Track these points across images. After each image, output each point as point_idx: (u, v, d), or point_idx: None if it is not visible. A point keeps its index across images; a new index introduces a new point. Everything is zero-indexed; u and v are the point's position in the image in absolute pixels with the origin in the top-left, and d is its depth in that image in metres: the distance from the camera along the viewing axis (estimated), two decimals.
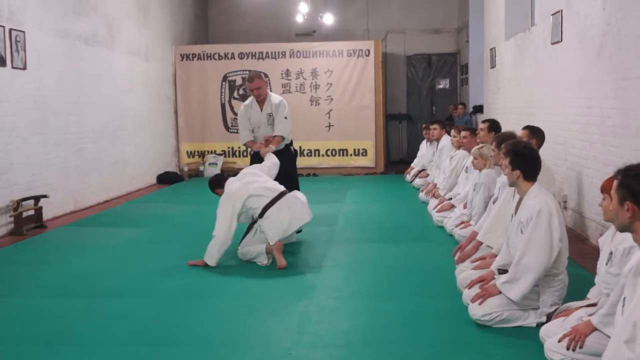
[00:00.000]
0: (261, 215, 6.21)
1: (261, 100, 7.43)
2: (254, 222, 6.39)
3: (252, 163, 7.36)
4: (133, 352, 4.14)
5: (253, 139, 7.52)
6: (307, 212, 6.57)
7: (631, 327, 2.64)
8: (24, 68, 8.53)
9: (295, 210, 6.36)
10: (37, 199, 8.58)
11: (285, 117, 7.40)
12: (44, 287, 5.73)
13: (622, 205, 3.05)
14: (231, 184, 6.37)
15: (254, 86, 7.39)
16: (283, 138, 7.40)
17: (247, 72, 14.45)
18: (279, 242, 6.18)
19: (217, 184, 6.54)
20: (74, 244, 7.55)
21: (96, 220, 9.17)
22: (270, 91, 7.97)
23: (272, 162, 6.98)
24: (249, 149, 8.06)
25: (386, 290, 5.45)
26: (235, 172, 7.54)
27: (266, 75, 14.43)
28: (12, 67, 8.28)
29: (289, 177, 7.23)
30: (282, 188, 6.48)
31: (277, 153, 7.19)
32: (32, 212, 8.47)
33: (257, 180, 6.43)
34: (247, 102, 7.62)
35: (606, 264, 3.77)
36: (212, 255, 6.10)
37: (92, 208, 10.27)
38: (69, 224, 8.91)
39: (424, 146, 12.37)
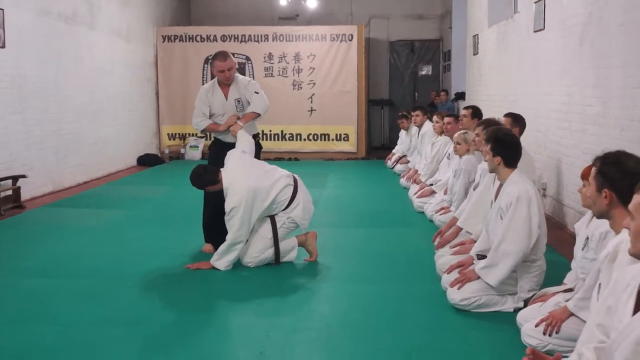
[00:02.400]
0: (287, 206, 5.58)
1: (227, 85, 6.14)
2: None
3: (212, 154, 6.34)
4: (108, 332, 4.12)
5: (213, 122, 6.19)
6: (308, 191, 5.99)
7: (604, 311, 2.67)
8: (2, 46, 8.41)
9: (307, 192, 5.88)
10: (15, 179, 8.49)
11: (257, 92, 6.11)
12: (21, 267, 5.68)
13: (600, 192, 3.08)
14: (235, 178, 5.41)
15: (225, 66, 6.00)
16: (258, 115, 6.12)
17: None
18: (313, 231, 5.88)
19: (208, 179, 5.44)
20: (52, 225, 7.48)
21: (75, 202, 9.10)
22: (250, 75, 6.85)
23: (249, 142, 5.93)
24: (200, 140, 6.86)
25: (366, 274, 5.47)
26: None
27: (248, 59, 14.37)
28: None
29: None
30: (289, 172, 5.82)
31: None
32: (10, 192, 8.39)
33: (266, 169, 5.71)
34: (207, 86, 6.26)
35: (582, 249, 3.80)
36: (227, 261, 5.42)
37: (71, 189, 10.19)
38: (47, 204, 8.84)
39: (402, 134, 12.40)
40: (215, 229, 5.97)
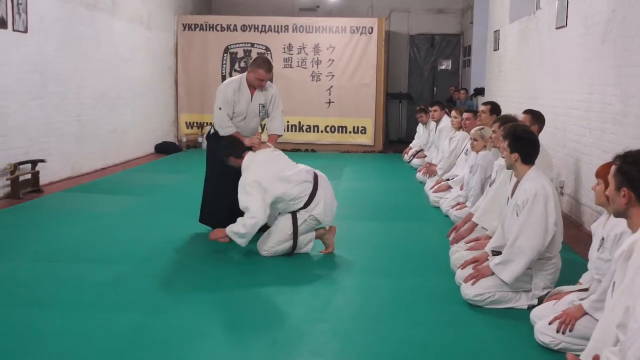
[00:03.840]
0: (307, 204, 5.54)
1: (254, 88, 6.13)
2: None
3: (210, 151, 6.34)
4: (122, 318, 4.16)
5: (238, 131, 6.11)
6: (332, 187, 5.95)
7: (622, 312, 2.66)
8: (25, 31, 8.48)
9: (330, 188, 5.82)
10: (34, 163, 8.56)
11: (282, 111, 6.33)
12: (38, 251, 5.74)
13: (619, 191, 3.06)
14: (254, 165, 5.51)
15: (268, 77, 6.05)
16: (280, 136, 6.33)
17: (249, 45, 14.43)
18: (334, 227, 5.88)
19: (233, 151, 5.64)
20: (70, 210, 7.55)
21: (93, 188, 9.17)
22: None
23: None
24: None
25: (380, 268, 5.48)
26: None
27: (268, 49, 14.37)
28: (14, 30, 8.22)
29: None
30: (312, 169, 5.80)
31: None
32: (29, 176, 8.47)
33: (288, 165, 5.72)
34: (234, 84, 6.13)
35: (598, 250, 3.79)
36: (247, 235, 5.38)
37: (89, 175, 10.27)
38: (65, 189, 8.91)
39: (420, 128, 12.36)
40: (217, 217, 6.09)
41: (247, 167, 5.51)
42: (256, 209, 5.31)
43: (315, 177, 5.67)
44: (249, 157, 5.57)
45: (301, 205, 5.53)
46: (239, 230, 5.35)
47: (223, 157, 5.74)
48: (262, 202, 5.34)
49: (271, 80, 6.51)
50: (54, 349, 3.67)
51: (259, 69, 5.98)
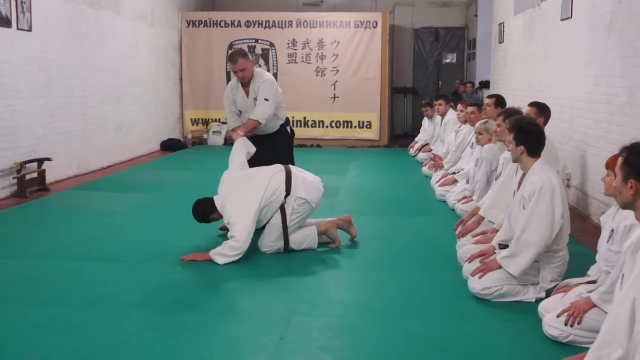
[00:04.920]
0: (288, 190, 5.47)
1: (246, 83, 6.19)
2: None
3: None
4: (130, 315, 4.17)
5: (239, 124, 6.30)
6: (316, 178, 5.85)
7: (631, 303, 2.64)
8: (29, 30, 8.48)
9: (302, 170, 5.81)
10: (40, 161, 8.58)
11: (266, 99, 6.12)
12: (45, 249, 5.76)
13: (626, 182, 3.04)
14: (224, 197, 5.45)
15: (237, 67, 6.07)
16: (259, 123, 6.12)
17: (253, 41, 14.42)
18: (334, 219, 5.88)
19: (209, 209, 5.54)
20: (76, 208, 7.56)
21: (99, 185, 9.18)
22: (272, 65, 6.78)
23: (242, 149, 5.97)
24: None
25: (386, 262, 5.47)
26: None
27: (272, 45, 14.34)
28: (17, 29, 8.23)
29: (284, 161, 5.96)
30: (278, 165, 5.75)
31: (268, 136, 6.34)
32: (35, 174, 8.49)
33: (247, 173, 5.66)
34: (232, 83, 6.36)
35: (607, 242, 3.77)
36: (226, 261, 5.26)
37: (95, 172, 10.28)
38: (71, 187, 8.93)
39: (426, 122, 12.34)
40: None
41: (222, 209, 5.43)
42: (240, 230, 5.23)
43: (286, 166, 5.65)
44: (217, 200, 5.47)
45: (284, 193, 5.43)
46: (223, 260, 5.25)
47: (202, 222, 5.68)
48: (249, 224, 5.25)
49: (275, 77, 6.52)
50: (62, 346, 3.67)
51: (229, 62, 6.09)
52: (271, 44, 14.38)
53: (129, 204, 7.80)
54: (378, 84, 14.43)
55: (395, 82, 16.79)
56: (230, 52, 6.40)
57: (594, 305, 3.55)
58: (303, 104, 13.99)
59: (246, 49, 14.34)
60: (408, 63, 17.24)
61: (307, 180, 5.63)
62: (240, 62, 6.05)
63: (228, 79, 14.49)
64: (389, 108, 15.20)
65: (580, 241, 5.93)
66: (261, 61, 14.20)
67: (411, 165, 11.39)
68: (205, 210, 5.55)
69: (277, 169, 5.61)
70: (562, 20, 8.29)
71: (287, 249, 5.58)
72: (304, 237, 5.68)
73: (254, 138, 6.19)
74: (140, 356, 3.59)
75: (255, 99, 6.18)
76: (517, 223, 4.40)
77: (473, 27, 15.86)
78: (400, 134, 16.75)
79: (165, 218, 7.03)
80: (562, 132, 8.02)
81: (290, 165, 5.78)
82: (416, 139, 12.87)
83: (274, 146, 6.35)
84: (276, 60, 14.33)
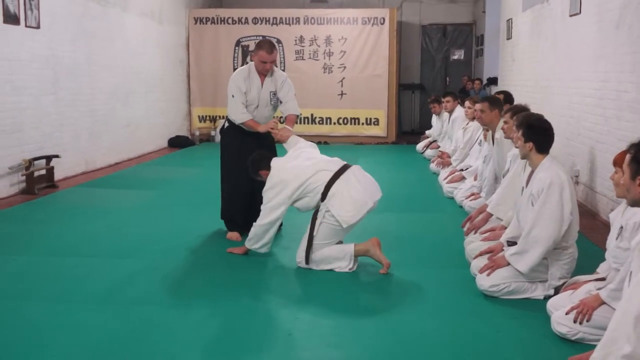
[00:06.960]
0: (324, 195, 4.96)
1: (263, 75, 5.95)
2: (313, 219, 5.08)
3: (230, 141, 6.07)
4: (138, 312, 4.18)
5: (253, 119, 5.94)
6: (377, 188, 5.36)
7: (638, 300, 2.62)
8: (37, 27, 8.51)
9: (366, 184, 5.22)
10: (48, 158, 8.61)
11: (295, 94, 6.10)
12: (53, 246, 5.77)
13: (634, 180, 3.01)
14: (283, 162, 5.23)
15: (270, 58, 5.82)
16: (297, 117, 6.08)
17: (261, 37, 14.38)
18: (376, 238, 5.12)
19: (261, 164, 5.23)
20: (84, 205, 7.58)
21: (107, 182, 9.20)
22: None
23: (306, 144, 5.60)
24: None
25: (394, 259, 5.44)
26: None
27: (279, 42, 14.34)
28: (26, 26, 8.25)
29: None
30: (343, 161, 5.30)
31: (268, 134, 5.92)
32: (43, 171, 8.51)
33: (313, 156, 5.29)
34: (244, 72, 5.99)
35: (616, 239, 3.75)
36: (263, 244, 5.17)
37: (103, 170, 10.31)
38: (79, 184, 8.95)
39: (434, 118, 12.30)
40: (236, 217, 5.98)
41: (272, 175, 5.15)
42: (272, 213, 5.06)
43: (342, 169, 5.13)
44: (276, 163, 5.20)
45: (318, 196, 5.00)
46: (261, 245, 5.19)
47: (252, 175, 5.36)
48: (281, 201, 5.04)
49: (284, 70, 6.42)
50: (71, 342, 3.68)
51: (259, 50, 5.83)
52: (278, 41, 14.36)
53: (136, 201, 7.82)
54: (385, 81, 14.40)
55: (403, 78, 16.76)
56: (259, 41, 6.11)
57: (603, 303, 3.52)
58: (310, 101, 13.97)
59: (254, 46, 14.34)
60: (416, 59, 17.20)
61: (345, 197, 4.97)
62: (275, 53, 5.90)
63: None
64: (397, 105, 15.18)
65: (589, 238, 5.90)
66: None
67: (419, 162, 11.37)
68: (260, 165, 5.24)
69: (328, 168, 5.11)
70: (570, 16, 8.25)
71: (307, 260, 5.05)
72: (334, 255, 5.05)
73: (245, 134, 5.98)
74: (149, 352, 3.59)
75: (272, 93, 5.99)
76: (526, 220, 4.38)
77: (481, 23, 15.81)
78: (408, 130, 16.72)
79: (173, 215, 7.03)
80: (571, 129, 7.98)
81: (350, 170, 5.19)
82: (427, 132, 12.76)
83: (260, 143, 5.90)
84: (283, 57, 14.32)
